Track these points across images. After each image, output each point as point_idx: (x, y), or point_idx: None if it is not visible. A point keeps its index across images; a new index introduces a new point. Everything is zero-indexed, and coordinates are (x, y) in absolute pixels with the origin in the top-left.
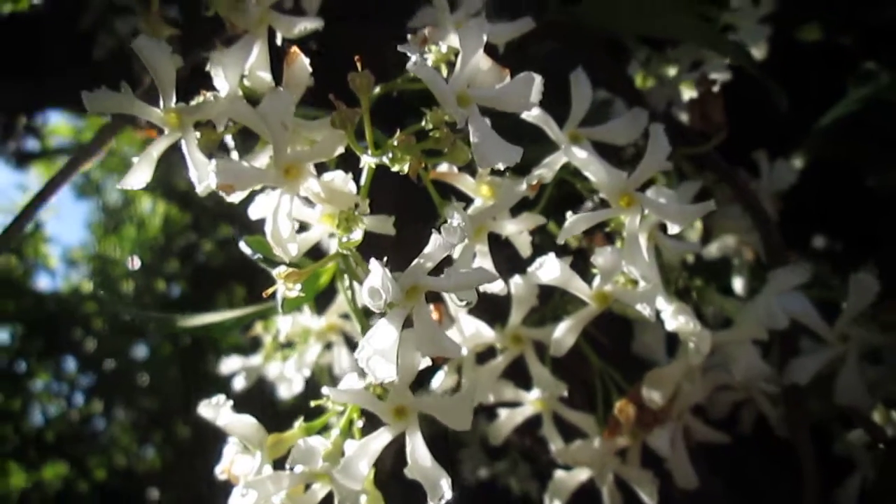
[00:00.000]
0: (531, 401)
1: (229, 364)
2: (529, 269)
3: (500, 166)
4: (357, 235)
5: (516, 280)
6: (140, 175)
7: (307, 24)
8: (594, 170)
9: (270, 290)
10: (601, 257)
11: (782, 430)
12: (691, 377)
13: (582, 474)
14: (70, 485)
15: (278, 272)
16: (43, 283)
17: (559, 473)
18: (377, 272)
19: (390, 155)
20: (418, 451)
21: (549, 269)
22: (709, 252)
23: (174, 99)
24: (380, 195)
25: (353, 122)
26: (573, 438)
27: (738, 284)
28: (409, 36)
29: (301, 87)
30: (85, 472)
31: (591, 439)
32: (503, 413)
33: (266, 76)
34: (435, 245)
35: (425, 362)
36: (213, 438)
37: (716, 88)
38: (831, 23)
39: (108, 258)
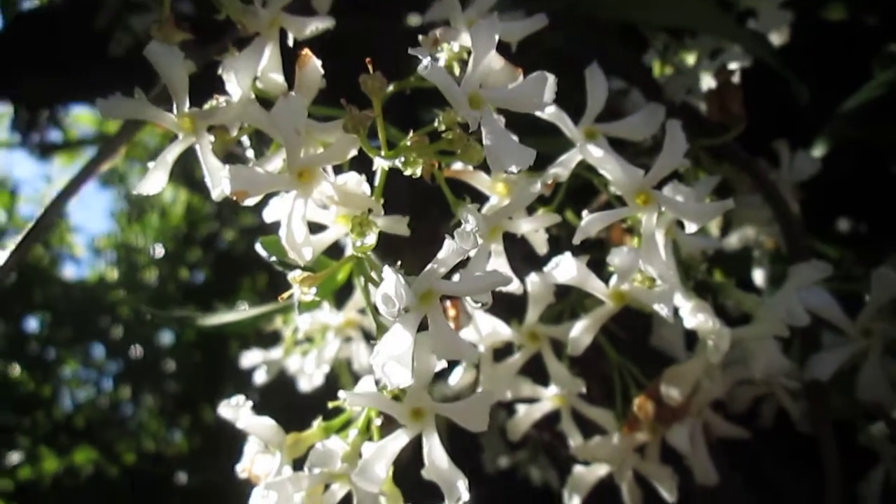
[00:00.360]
0: (549, 397)
1: (250, 357)
2: (545, 269)
3: (514, 169)
4: (371, 240)
5: (532, 278)
6: (156, 180)
7: (319, 24)
8: (610, 168)
9: (286, 294)
10: (618, 257)
11: (804, 425)
12: (711, 374)
13: (601, 470)
14: (101, 469)
15: (293, 277)
16: (70, 271)
17: (578, 469)
18: (390, 279)
19: (402, 159)
20: (435, 453)
21: (566, 268)
22: (729, 243)
23: (187, 104)
24: (395, 188)
25: (364, 125)
26: (592, 433)
27: (758, 276)
28: (420, 36)
29: (313, 89)
30: (114, 456)
31: (610, 435)
32: (521, 409)
33: (279, 78)
34: (448, 251)
35: (441, 364)
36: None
37: (735, 79)
38: (856, 2)
39: (132, 247)
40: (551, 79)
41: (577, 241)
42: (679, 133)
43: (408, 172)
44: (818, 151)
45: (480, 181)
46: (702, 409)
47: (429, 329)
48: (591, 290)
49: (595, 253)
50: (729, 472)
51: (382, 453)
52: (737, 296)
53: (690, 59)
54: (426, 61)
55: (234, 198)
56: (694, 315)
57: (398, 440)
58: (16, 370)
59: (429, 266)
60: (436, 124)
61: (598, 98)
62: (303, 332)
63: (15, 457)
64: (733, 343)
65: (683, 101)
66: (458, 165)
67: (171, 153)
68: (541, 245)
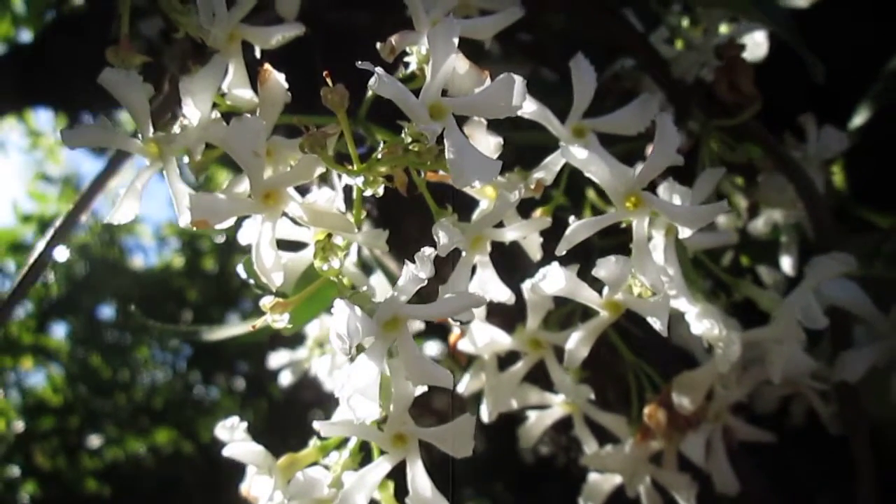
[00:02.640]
0: (559, 403)
1: (277, 358)
2: (532, 281)
3: (477, 184)
4: (335, 264)
5: (527, 285)
6: (127, 209)
7: (286, 33)
8: (595, 170)
9: (259, 323)
10: (604, 268)
11: (835, 428)
12: (725, 381)
13: (617, 477)
14: (179, 448)
15: (263, 304)
16: (139, 260)
17: (593, 476)
18: (342, 313)
19: (361, 179)
20: (419, 480)
21: (553, 279)
22: (755, 227)
23: (151, 129)
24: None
25: (322, 144)
26: (609, 438)
27: (786, 263)
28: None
29: (278, 105)
30: (192, 435)
31: (623, 444)
32: (532, 416)
33: (246, 94)
34: (406, 278)
35: (421, 389)
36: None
37: (753, 54)
38: None
39: (195, 233)
40: (519, 81)
41: (560, 251)
42: (670, 128)
43: (368, 192)
44: (861, 117)
45: None
46: (720, 414)
47: (400, 356)
48: (584, 301)
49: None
50: (754, 475)
51: (363, 483)
52: (754, 292)
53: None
54: (376, 74)
55: (195, 228)
56: (700, 321)
57: (379, 468)
58: (94, 358)
59: (390, 293)
60: (403, 136)
61: (584, 92)
62: (312, 339)
63: (97, 440)
64: (752, 343)
65: (697, 78)
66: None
67: (141, 181)
68: (534, 251)
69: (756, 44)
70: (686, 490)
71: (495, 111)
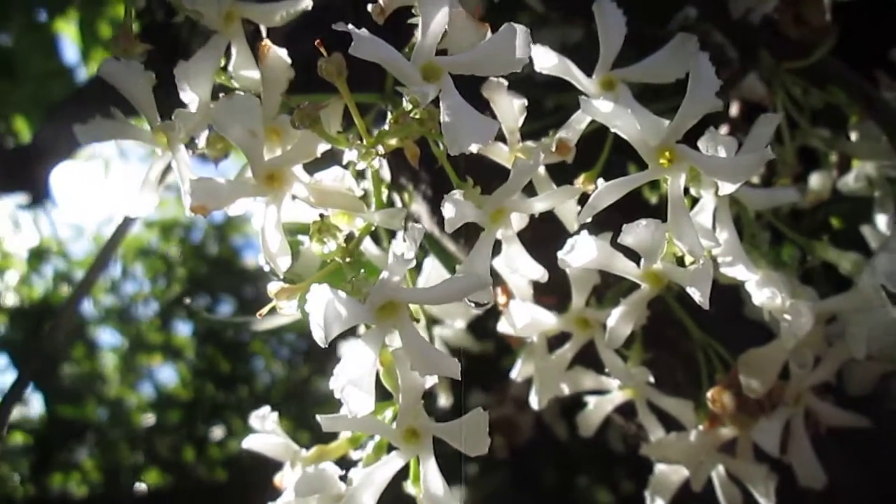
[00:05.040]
0: (617, 387)
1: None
2: (559, 254)
3: (473, 149)
4: (331, 246)
5: None
6: (144, 202)
7: (290, 9)
8: (621, 124)
9: (265, 310)
10: (632, 234)
11: None
12: (802, 359)
13: (686, 469)
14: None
15: (270, 289)
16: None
17: (660, 467)
18: (320, 300)
19: (356, 152)
20: (431, 478)
21: (583, 250)
22: (845, 183)
23: (158, 118)
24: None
25: (314, 117)
26: (678, 425)
27: (881, 222)
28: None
29: (281, 82)
30: (308, 426)
31: (687, 431)
32: (592, 401)
33: (254, 74)
34: (394, 259)
35: (431, 380)
36: None
37: None
38: None
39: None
40: (522, 30)
41: (583, 219)
42: (707, 69)
43: (361, 166)
44: None
45: (497, 153)
46: (801, 396)
47: (402, 345)
48: (620, 273)
49: None
50: (847, 466)
51: (371, 481)
52: (831, 255)
53: None
54: (357, 36)
55: (194, 213)
56: (760, 289)
57: (389, 466)
58: (216, 354)
59: (381, 276)
60: (404, 103)
61: (611, 40)
62: None
63: (219, 431)
64: (830, 315)
65: (766, 17)
66: None
67: (154, 172)
68: (571, 221)
69: None
70: (763, 483)
71: (497, 67)
